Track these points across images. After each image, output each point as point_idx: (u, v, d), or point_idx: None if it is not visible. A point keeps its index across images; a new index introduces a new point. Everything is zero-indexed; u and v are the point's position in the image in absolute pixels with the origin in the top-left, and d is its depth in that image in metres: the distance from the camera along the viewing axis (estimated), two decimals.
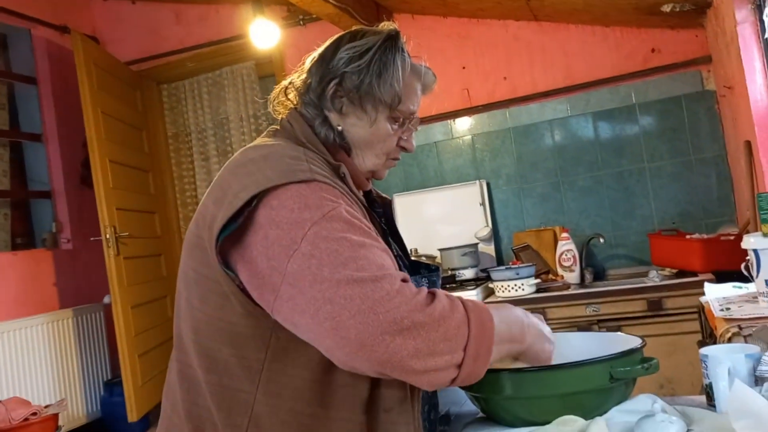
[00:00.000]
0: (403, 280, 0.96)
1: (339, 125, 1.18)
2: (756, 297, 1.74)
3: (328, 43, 1.23)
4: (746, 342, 1.44)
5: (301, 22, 4.19)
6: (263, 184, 1.00)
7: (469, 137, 3.92)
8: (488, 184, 3.85)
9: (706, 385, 1.18)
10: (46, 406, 3.25)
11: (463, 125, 3.93)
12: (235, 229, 1.01)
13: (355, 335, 0.89)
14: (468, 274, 3.55)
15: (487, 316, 0.99)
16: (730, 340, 1.48)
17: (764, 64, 2.54)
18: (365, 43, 1.17)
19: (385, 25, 1.22)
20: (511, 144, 3.82)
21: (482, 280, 3.49)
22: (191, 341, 1.10)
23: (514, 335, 1.08)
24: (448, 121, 3.94)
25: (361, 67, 1.15)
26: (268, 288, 0.98)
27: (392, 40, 1.18)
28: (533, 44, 3.78)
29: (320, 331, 0.92)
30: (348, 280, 0.91)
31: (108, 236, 3.89)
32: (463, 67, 3.91)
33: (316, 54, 1.23)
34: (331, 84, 1.16)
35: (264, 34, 3.87)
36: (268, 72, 4.59)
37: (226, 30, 4.44)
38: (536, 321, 1.15)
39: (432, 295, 0.95)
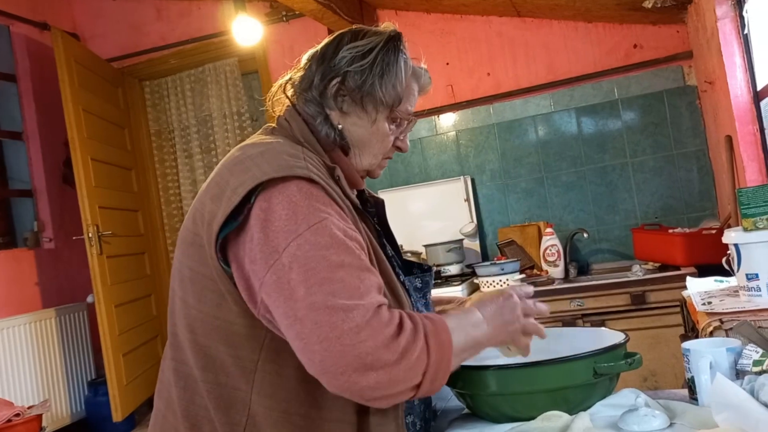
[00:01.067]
0: (380, 305, 0.95)
1: (339, 124, 1.18)
2: (737, 291, 1.75)
3: (327, 41, 1.22)
4: (727, 336, 1.46)
5: (284, 19, 4.17)
6: (259, 178, 1.00)
7: (454, 133, 3.93)
8: (473, 180, 3.86)
9: (688, 378, 1.19)
10: (29, 407, 3.22)
11: (447, 121, 3.94)
12: (235, 227, 1.01)
13: (319, 360, 0.90)
14: (453, 269, 3.56)
15: (446, 338, 0.99)
16: (711, 334, 1.50)
17: (744, 60, 2.57)
18: (368, 43, 1.17)
19: (386, 26, 1.22)
20: (495, 140, 3.83)
21: (467, 275, 3.50)
22: (187, 340, 1.10)
23: (478, 341, 1.07)
24: (433, 117, 3.95)
25: (363, 67, 1.15)
26: (252, 291, 0.99)
27: (394, 41, 1.19)
28: (516, 40, 3.79)
29: (293, 345, 0.95)
30: (320, 305, 0.91)
31: (91, 235, 3.86)
32: (447, 63, 3.92)
33: (315, 51, 1.22)
34: (334, 82, 1.17)
35: (246, 30, 3.85)
36: (251, 68, 4.57)
37: (208, 26, 4.41)
38: (489, 307, 1.11)
39: (400, 324, 0.95)
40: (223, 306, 1.05)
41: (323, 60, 1.19)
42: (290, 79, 1.24)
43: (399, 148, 1.25)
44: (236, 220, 1.01)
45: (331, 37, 1.22)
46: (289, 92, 1.23)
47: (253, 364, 1.04)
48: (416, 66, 1.25)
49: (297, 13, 3.92)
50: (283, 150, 1.08)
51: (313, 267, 0.94)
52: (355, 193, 1.26)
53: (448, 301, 1.44)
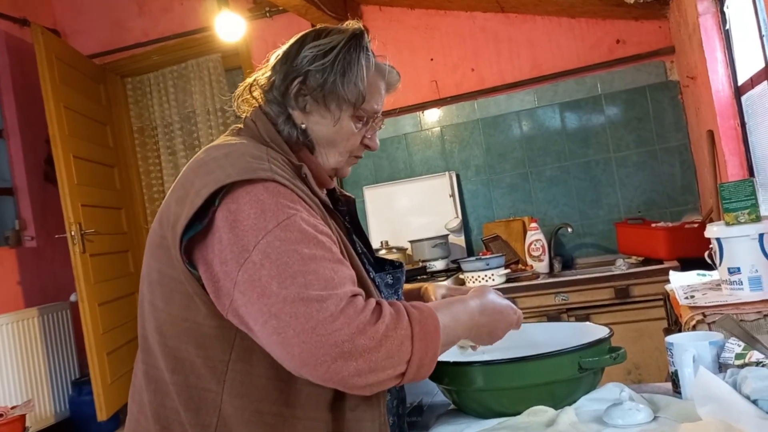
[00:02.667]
0: (355, 294, 0.96)
1: (303, 123, 1.18)
2: (719, 285, 1.77)
3: (292, 40, 1.22)
4: (710, 329, 1.47)
5: (268, 14, 4.15)
6: (223, 181, 0.99)
7: (438, 129, 3.93)
8: (458, 176, 3.87)
9: (672, 372, 1.21)
10: (12, 407, 3.19)
11: (431, 117, 3.94)
12: (200, 229, 1.01)
13: (298, 353, 0.90)
14: (439, 265, 3.56)
15: (432, 325, 0.99)
16: (694, 328, 1.51)
17: (726, 55, 2.59)
18: (330, 42, 1.17)
19: (351, 24, 1.22)
20: (480, 135, 3.84)
21: (453, 271, 3.51)
22: (156, 342, 1.09)
23: (465, 330, 1.09)
24: (417, 113, 3.95)
25: (325, 66, 1.15)
26: (223, 292, 0.98)
27: (357, 39, 1.18)
28: (500, 35, 3.80)
29: (269, 341, 0.94)
30: (294, 297, 0.91)
31: (73, 233, 3.82)
32: (431, 59, 3.92)
33: (280, 51, 1.22)
34: (295, 82, 1.16)
35: (230, 26, 3.83)
36: (234, 65, 4.54)
37: (191, 22, 4.38)
38: (491, 305, 1.15)
39: (379, 311, 0.95)
40: (191, 307, 1.04)
41: (286, 60, 1.19)
42: (255, 79, 1.24)
43: (368, 147, 1.25)
44: (201, 222, 1.00)
45: (296, 37, 1.22)
46: (255, 92, 1.23)
47: (223, 364, 1.04)
48: (381, 63, 1.24)
49: (280, 8, 3.90)
50: (247, 152, 1.07)
51: (285, 261, 0.94)
52: (325, 192, 1.26)
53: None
